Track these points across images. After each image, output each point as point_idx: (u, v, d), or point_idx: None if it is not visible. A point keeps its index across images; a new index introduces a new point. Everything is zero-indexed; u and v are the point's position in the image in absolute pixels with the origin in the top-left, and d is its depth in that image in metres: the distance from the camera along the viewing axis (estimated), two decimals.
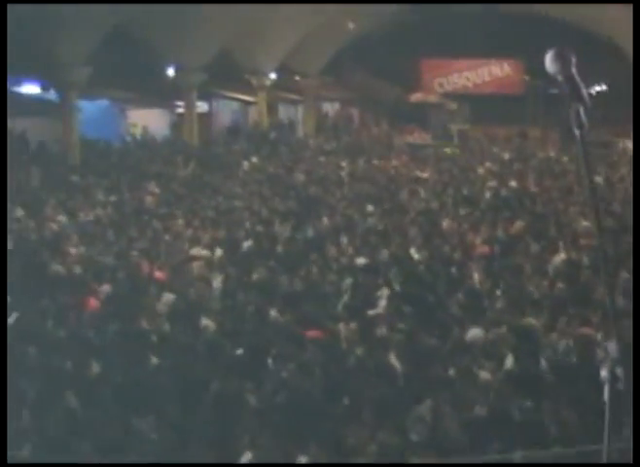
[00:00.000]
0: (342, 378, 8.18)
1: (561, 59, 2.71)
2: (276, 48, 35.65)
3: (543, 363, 8.97)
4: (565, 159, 28.86)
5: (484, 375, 8.83)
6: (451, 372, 8.74)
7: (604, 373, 2.71)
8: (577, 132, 2.70)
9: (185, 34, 29.25)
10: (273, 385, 8.31)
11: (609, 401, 2.72)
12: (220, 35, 30.74)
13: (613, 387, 2.70)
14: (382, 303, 10.90)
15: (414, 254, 14.34)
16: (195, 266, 13.46)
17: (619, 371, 2.67)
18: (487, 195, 21.05)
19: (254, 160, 30.21)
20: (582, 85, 2.72)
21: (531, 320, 10.22)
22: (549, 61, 2.71)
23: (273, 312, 10.85)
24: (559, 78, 2.72)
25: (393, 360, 8.77)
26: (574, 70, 2.71)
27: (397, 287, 11.75)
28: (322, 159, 31.09)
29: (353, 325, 9.82)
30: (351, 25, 38.14)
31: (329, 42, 38.94)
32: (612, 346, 2.70)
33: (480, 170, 26.72)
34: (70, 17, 24.34)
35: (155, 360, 9.18)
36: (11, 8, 23.14)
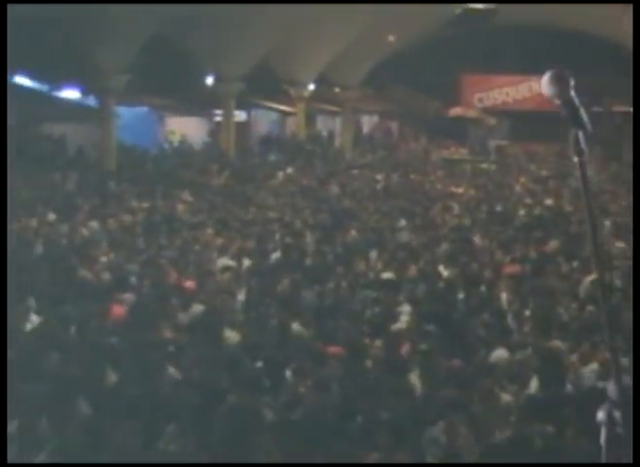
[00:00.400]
0: (360, 396, 8.04)
1: (559, 82, 2.63)
2: (316, 59, 35.62)
3: (568, 388, 8.80)
4: (603, 178, 28.53)
5: (506, 397, 8.67)
6: (472, 393, 8.59)
7: (601, 415, 2.57)
8: (575, 159, 2.58)
9: (225, 43, 29.32)
10: (290, 400, 8.21)
11: (605, 445, 2.57)
12: (260, 45, 30.78)
13: (611, 431, 2.55)
14: (404, 319, 10.76)
15: (443, 271, 14.19)
16: (222, 276, 13.40)
17: (617, 414, 2.53)
18: (522, 212, 20.83)
19: (289, 170, 30.17)
20: (581, 108, 2.60)
21: (558, 343, 10.04)
22: (545, 84, 2.61)
23: (296, 326, 10.75)
24: (557, 101, 2.61)
25: (413, 379, 8.64)
26: (573, 93, 2.59)
27: (421, 304, 11.61)
28: (357, 172, 30.96)
29: (375, 342, 9.69)
30: (392, 38, 38.04)
31: (369, 54, 38.82)
32: (611, 387, 2.57)
33: (516, 187, 26.50)
34: (111, 23, 24.49)
35: (172, 371, 9.11)
36: (51, 13, 23.37)
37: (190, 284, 12.98)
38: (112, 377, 8.95)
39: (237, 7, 27.06)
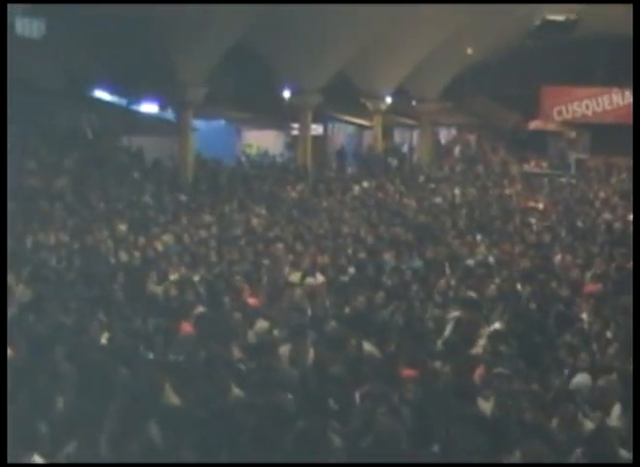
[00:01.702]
0: (434, 422, 7.69)
1: None
2: (393, 72, 35.36)
3: None
4: None
5: (589, 425, 8.24)
6: (552, 420, 8.20)
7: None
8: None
9: (303, 56, 29.24)
10: (360, 426, 7.90)
11: None
12: (337, 58, 30.65)
13: None
14: (482, 342, 10.35)
15: (520, 289, 13.74)
16: (294, 292, 13.13)
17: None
18: (602, 228, 20.20)
19: (365, 184, 29.90)
20: None
21: None
22: None
23: (368, 346, 10.43)
24: None
25: (488, 405, 8.27)
26: None
27: (501, 325, 11.18)
28: (434, 186, 30.54)
29: (450, 366, 9.31)
30: (470, 50, 37.62)
31: (447, 67, 38.43)
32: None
33: (597, 202, 25.82)
34: (190, 36, 24.57)
35: (238, 392, 8.86)
36: (132, 27, 23.55)
37: (253, 301, 12.74)
38: (174, 397, 8.74)
39: (316, 19, 26.99)
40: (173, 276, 14.24)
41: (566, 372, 9.43)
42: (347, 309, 12.28)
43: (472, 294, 13.15)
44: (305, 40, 28.17)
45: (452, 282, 14.27)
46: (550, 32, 35.77)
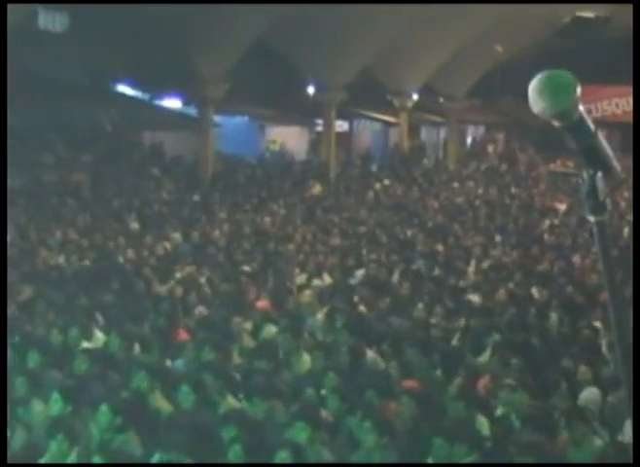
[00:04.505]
0: (426, 438, 7.29)
1: (557, 91, 1.81)
2: (420, 68, 34.88)
3: None
4: None
5: (598, 442, 7.81)
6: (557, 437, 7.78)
7: None
8: (592, 219, 1.84)
9: (327, 51, 28.84)
10: (349, 440, 7.55)
11: None
12: (363, 53, 30.21)
13: None
14: (488, 351, 9.92)
15: (535, 294, 13.27)
16: (302, 295, 12.75)
17: None
18: (626, 230, 19.60)
19: (386, 182, 29.45)
20: (599, 135, 1.83)
21: None
22: (533, 93, 1.81)
23: (371, 354, 10.03)
24: (555, 123, 1.83)
25: (483, 421, 7.86)
26: (582, 109, 1.78)
27: (507, 333, 10.73)
28: (456, 184, 30.02)
29: (456, 379, 8.88)
30: (499, 48, 37.10)
31: (476, 64, 37.91)
32: None
33: (622, 204, 25.18)
34: (212, 32, 24.28)
35: (232, 401, 8.52)
36: (154, 22, 23.31)
37: (263, 304, 12.34)
38: (166, 406, 8.43)
39: (341, 14, 26.61)
40: (178, 276, 13.90)
41: (573, 385, 8.96)
42: (351, 315, 11.80)
43: (478, 298, 12.70)
44: (330, 36, 27.77)
45: (461, 284, 13.81)
46: (579, 30, 35.20)
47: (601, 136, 1.80)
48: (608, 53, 38.46)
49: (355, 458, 7.25)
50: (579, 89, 1.72)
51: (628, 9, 31.66)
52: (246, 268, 14.43)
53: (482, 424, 7.82)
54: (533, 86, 1.75)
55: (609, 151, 1.81)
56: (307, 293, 12.81)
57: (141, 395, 8.47)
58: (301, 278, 14.15)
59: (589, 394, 8.88)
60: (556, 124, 1.77)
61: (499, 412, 8.34)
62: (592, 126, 1.77)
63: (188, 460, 7.21)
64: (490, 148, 43.59)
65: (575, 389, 8.93)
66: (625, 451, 7.36)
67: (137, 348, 10.12)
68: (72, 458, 7.28)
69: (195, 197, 22.92)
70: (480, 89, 40.27)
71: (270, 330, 11.13)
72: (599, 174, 1.82)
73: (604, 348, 10.35)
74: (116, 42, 26.71)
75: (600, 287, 13.92)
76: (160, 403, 8.43)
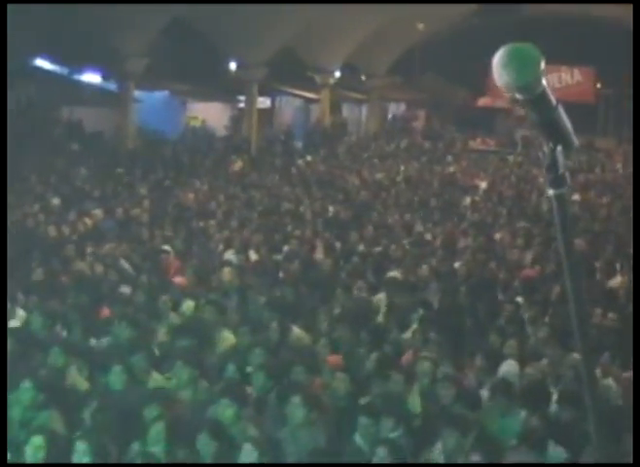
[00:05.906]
0: (351, 417, 7.32)
1: (522, 64, 1.75)
2: (341, 46, 34.88)
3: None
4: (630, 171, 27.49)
5: (523, 414, 7.90)
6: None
7: None
8: (550, 192, 1.84)
9: (247, 28, 28.64)
10: (276, 416, 7.55)
11: None
12: (283, 30, 30.07)
13: None
14: (414, 326, 9.98)
15: (458, 269, 13.39)
16: (225, 271, 12.65)
17: None
18: (544, 207, 19.87)
19: (308, 158, 29.45)
20: (560, 108, 1.83)
21: (576, 356, 9.19)
22: (498, 67, 1.79)
23: (297, 330, 10.03)
24: (517, 96, 1.83)
25: (413, 397, 7.93)
26: (545, 83, 1.78)
27: (431, 308, 10.84)
28: (377, 161, 30.14)
29: (376, 353, 8.92)
30: (420, 26, 37.28)
31: (397, 42, 38.08)
32: None
33: (541, 180, 25.50)
34: (131, 7, 23.87)
35: (158, 378, 8.45)
36: None
37: (180, 280, 12.27)
38: (83, 383, 8.31)
39: None
40: (99, 253, 13.70)
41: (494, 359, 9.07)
42: (277, 292, 11.77)
43: (399, 274, 12.76)
44: (251, 11, 27.52)
45: (384, 261, 13.85)
46: (498, 10, 35.60)
47: (561, 110, 1.80)
48: (528, 32, 38.76)
49: (283, 435, 7.25)
50: (543, 63, 1.71)
51: None
52: (166, 246, 14.24)
53: (411, 400, 7.88)
54: (498, 58, 1.74)
55: (569, 125, 1.81)
56: (231, 270, 12.69)
57: (58, 372, 8.37)
58: (226, 255, 14.06)
59: (508, 367, 8.99)
60: (519, 96, 1.75)
61: (423, 384, 8.36)
62: (554, 100, 1.77)
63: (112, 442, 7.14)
64: (414, 124, 43.82)
65: (495, 362, 9.03)
66: (551, 419, 7.48)
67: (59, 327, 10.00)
68: None
69: (116, 173, 22.54)
70: (401, 67, 40.47)
71: (189, 305, 11.08)
72: (559, 148, 1.81)
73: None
74: (33, 15, 26.12)
75: (520, 263, 14.16)
76: (77, 380, 8.31)
